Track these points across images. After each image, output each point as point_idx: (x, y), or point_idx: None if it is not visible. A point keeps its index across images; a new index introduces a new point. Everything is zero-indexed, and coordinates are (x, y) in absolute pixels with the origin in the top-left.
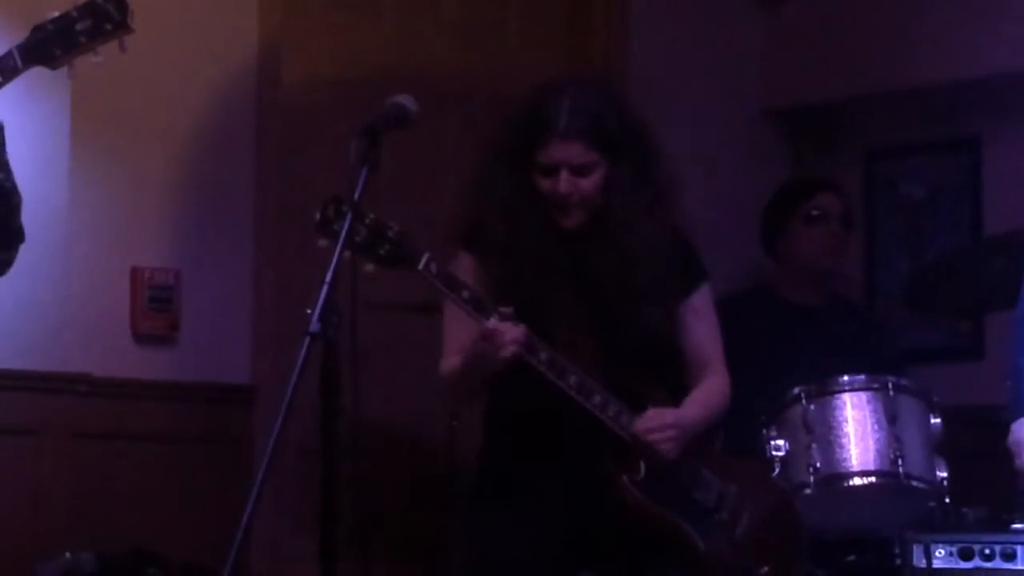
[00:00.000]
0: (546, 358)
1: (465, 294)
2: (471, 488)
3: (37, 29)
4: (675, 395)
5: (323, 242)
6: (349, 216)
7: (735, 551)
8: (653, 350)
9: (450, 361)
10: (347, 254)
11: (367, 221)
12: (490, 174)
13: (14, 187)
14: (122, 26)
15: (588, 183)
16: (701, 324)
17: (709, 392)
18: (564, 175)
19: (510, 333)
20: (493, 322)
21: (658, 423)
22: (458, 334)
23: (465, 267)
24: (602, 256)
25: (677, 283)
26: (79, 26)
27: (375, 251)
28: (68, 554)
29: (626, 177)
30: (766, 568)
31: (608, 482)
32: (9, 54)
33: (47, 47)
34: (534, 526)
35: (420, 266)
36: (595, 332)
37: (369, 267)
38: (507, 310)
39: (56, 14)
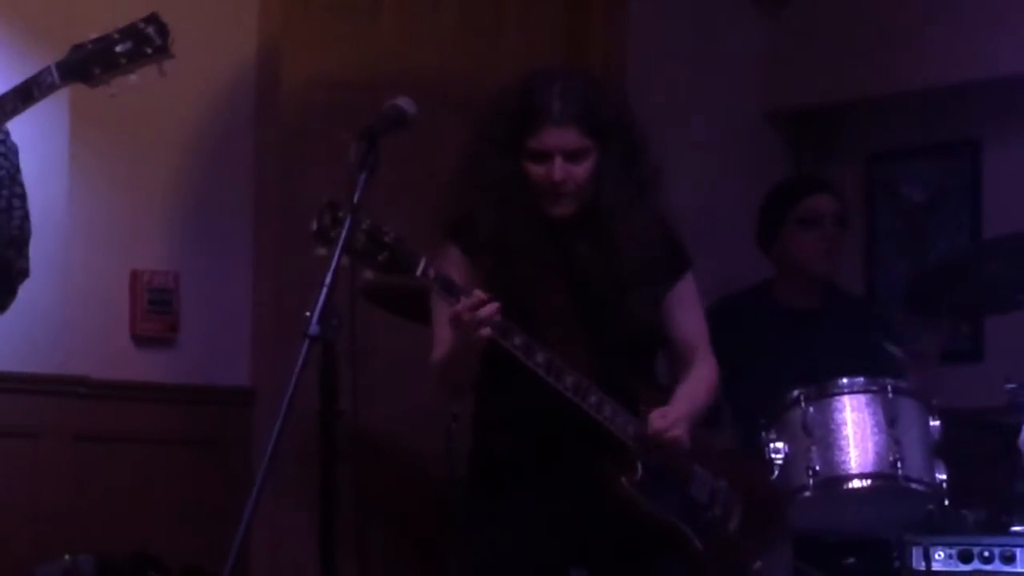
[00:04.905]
0: (521, 343)
1: (463, 298)
2: (464, 490)
3: (77, 48)
4: (662, 385)
5: (321, 250)
6: (349, 220)
7: (730, 548)
8: (642, 339)
9: (439, 351)
10: (346, 261)
11: (364, 227)
12: (478, 164)
13: (27, 215)
14: (162, 51)
15: (581, 170)
16: (687, 311)
17: (701, 379)
18: (558, 161)
19: (483, 311)
20: (462, 303)
21: (669, 422)
22: (447, 326)
23: (453, 261)
24: (590, 245)
25: (664, 271)
26: (119, 48)
27: (373, 257)
28: (67, 557)
29: (615, 165)
30: (759, 563)
31: (606, 484)
32: (47, 70)
33: (86, 65)
34: (527, 527)
35: (418, 272)
36: (585, 323)
37: (368, 274)
38: (481, 293)
39: (96, 36)
